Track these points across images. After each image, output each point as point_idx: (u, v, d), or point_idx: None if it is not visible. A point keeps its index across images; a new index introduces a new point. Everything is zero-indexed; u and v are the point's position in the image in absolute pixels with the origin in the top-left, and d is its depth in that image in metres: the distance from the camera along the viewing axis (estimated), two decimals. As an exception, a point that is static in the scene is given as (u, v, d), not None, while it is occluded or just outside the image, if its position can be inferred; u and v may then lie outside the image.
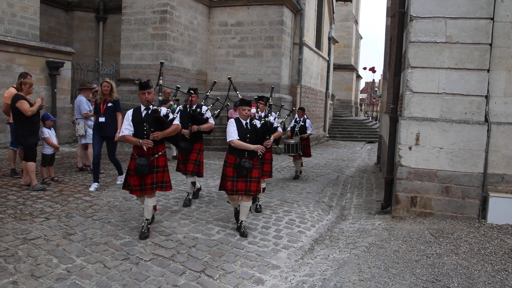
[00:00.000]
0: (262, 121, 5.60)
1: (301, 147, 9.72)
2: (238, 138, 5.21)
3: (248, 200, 5.33)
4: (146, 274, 3.99)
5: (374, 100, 46.31)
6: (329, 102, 23.43)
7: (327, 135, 22.82)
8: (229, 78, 6.81)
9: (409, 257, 4.78)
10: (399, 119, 6.43)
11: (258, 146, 5.30)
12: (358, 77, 38.74)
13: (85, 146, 8.49)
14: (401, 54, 6.83)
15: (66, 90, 12.70)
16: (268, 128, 5.63)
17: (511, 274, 4.37)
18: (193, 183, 6.76)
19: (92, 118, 8.55)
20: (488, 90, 6.00)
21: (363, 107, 48.60)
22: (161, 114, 4.96)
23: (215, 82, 6.93)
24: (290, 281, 4.24)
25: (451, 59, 6.03)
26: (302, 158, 10.17)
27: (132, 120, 4.89)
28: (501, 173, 6.05)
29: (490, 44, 5.90)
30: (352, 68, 33.02)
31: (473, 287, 4.03)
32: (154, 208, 5.22)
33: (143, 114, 4.94)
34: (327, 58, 22.43)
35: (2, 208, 5.59)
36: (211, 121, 6.56)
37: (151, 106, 4.98)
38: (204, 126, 6.44)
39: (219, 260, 4.56)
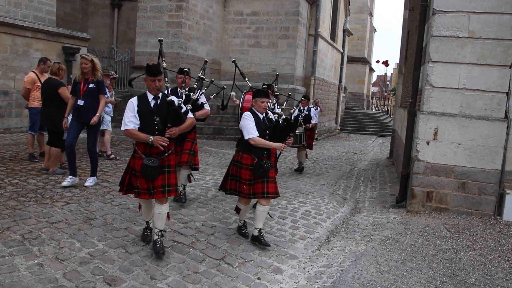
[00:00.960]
0: (283, 116, 4.93)
1: (305, 137, 9.17)
2: (258, 135, 4.57)
3: (267, 203, 4.69)
4: (167, 260, 4.06)
5: (385, 94, 45.98)
6: (342, 94, 23.33)
7: (339, 128, 22.76)
8: (233, 61, 6.28)
9: (426, 251, 4.80)
10: (418, 114, 6.40)
11: (281, 144, 4.68)
12: (371, 70, 38.47)
13: (102, 133, 8.57)
14: (422, 48, 6.78)
15: (81, 76, 12.78)
16: (292, 124, 4.88)
17: (528, 271, 4.37)
18: (189, 176, 6.00)
19: (110, 105, 8.64)
20: (509, 87, 5.95)
21: (374, 100, 48.29)
22: (176, 103, 4.16)
23: (206, 61, 5.95)
24: (308, 271, 4.29)
25: (473, 54, 5.98)
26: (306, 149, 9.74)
27: (138, 112, 4.01)
28: (519, 171, 6.01)
29: (514, 40, 5.84)
30: (365, 61, 32.79)
31: (491, 283, 4.05)
32: (168, 216, 4.25)
33: (151, 104, 4.07)
34: (341, 50, 22.30)
35: (23, 191, 5.69)
36: (207, 106, 5.84)
37: (160, 95, 4.17)
38: (199, 113, 5.66)
39: (237, 248, 4.62)
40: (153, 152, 4.04)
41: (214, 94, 6.16)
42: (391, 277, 4.11)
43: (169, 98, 4.03)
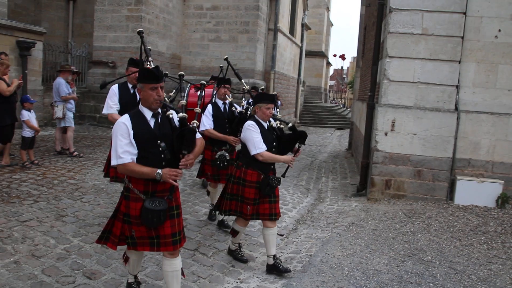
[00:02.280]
0: (290, 124, 4.38)
1: None
2: (266, 148, 3.93)
3: (275, 225, 4.11)
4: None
5: (342, 87, 47.15)
6: (301, 88, 23.78)
7: (298, 121, 23.22)
8: (225, 59, 5.56)
9: (387, 234, 5.16)
10: (376, 106, 6.77)
11: (290, 157, 4.09)
12: (328, 64, 39.33)
13: (64, 130, 8.43)
14: (379, 43, 7.14)
15: (37, 72, 12.39)
16: (300, 132, 4.17)
17: (476, 248, 4.82)
18: None
19: (72, 101, 8.51)
20: (458, 80, 6.42)
21: (331, 93, 49.38)
22: (175, 120, 3.05)
23: (149, 48, 4.49)
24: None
25: (426, 50, 6.39)
26: None
27: (136, 137, 2.86)
28: (468, 158, 6.51)
29: (462, 37, 6.30)
30: (323, 55, 33.49)
31: (445, 260, 4.44)
32: (182, 273, 3.20)
33: (151, 124, 2.94)
34: (300, 45, 22.70)
35: (-13, 190, 5.58)
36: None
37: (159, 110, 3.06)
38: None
39: (210, 239, 4.78)
40: (158, 190, 2.96)
41: (174, 91, 5.90)
42: (356, 259, 4.41)
43: (180, 114, 2.99)
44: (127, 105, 4.35)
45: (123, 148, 2.83)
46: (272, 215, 4.04)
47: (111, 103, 4.38)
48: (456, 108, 6.46)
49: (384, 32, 6.86)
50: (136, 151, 2.86)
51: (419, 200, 6.59)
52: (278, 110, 4.91)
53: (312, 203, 7.05)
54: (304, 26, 23.22)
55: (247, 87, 5.23)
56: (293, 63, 21.35)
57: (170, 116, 2.97)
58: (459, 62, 6.35)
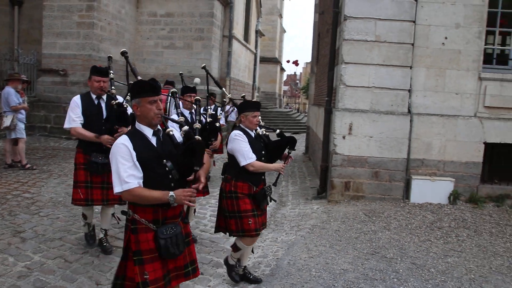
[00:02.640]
0: (278, 131, 4.27)
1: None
2: (256, 158, 3.75)
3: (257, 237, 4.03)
4: (109, 265, 4.07)
5: (296, 92, 47.96)
6: (256, 94, 24.00)
7: (255, 126, 23.42)
8: (203, 67, 5.10)
9: (349, 235, 5.32)
10: (334, 111, 6.97)
11: (281, 165, 3.96)
12: (282, 70, 39.91)
13: (15, 141, 8.07)
14: (335, 50, 7.37)
15: (-19, 81, 11.80)
16: (289, 138, 4.07)
17: (433, 243, 5.08)
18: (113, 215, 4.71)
19: (23, 111, 8.16)
20: (410, 85, 6.74)
21: (285, 99, 50.13)
22: (176, 136, 2.84)
23: (110, 56, 4.96)
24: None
25: (379, 56, 6.67)
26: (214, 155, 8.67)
27: (140, 159, 2.55)
28: (421, 158, 6.84)
29: (413, 44, 6.63)
30: (276, 61, 33.96)
31: (405, 256, 4.65)
32: None
33: (154, 143, 2.67)
34: (254, 51, 22.93)
35: None
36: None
37: (174, 128, 3.05)
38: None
39: (177, 247, 4.73)
40: (168, 216, 2.67)
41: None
42: (322, 260, 4.53)
43: (185, 127, 2.89)
44: (92, 117, 4.16)
45: (128, 172, 2.49)
46: (264, 224, 4.04)
47: (74, 116, 4.04)
48: (409, 111, 6.77)
49: (339, 39, 7.09)
50: (141, 174, 2.54)
51: (377, 200, 6.83)
52: (236, 116, 4.73)
53: (274, 207, 7.13)
54: (258, 33, 23.50)
55: (229, 95, 5.13)
56: (247, 69, 21.53)
57: (171, 133, 2.73)
58: (411, 67, 6.68)
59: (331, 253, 4.72)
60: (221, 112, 7.20)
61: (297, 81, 53.23)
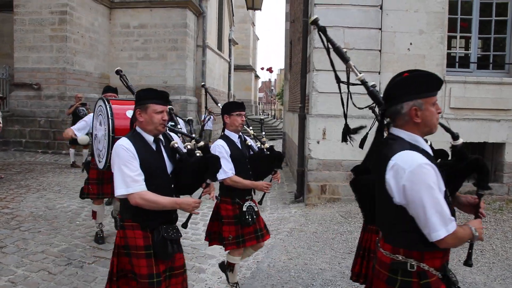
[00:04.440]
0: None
1: None
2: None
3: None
4: (93, 275, 4.14)
5: (271, 98, 48.37)
6: (232, 102, 24.20)
7: (232, 134, 23.57)
8: (203, 85, 5.32)
9: (326, 236, 5.52)
10: (307, 117, 7.20)
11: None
12: (256, 77, 40.26)
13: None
14: (306, 58, 7.62)
15: (-49, 97, 11.58)
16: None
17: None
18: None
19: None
20: (379, 90, 7.01)
21: (260, 105, 50.49)
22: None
23: (120, 70, 4.36)
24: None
25: (349, 63, 6.93)
26: None
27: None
28: (393, 160, 7.10)
29: (380, 50, 6.92)
30: (251, 69, 34.25)
31: (380, 254, 4.86)
32: None
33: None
34: (228, 60, 23.13)
35: None
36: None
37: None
38: None
39: (159, 255, 4.83)
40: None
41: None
42: (301, 261, 4.70)
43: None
44: (155, 171, 2.89)
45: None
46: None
47: (132, 174, 2.61)
48: (379, 115, 7.04)
49: (310, 47, 7.34)
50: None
51: (353, 201, 7.06)
52: (212, 124, 4.56)
53: (254, 213, 7.28)
54: (232, 41, 23.73)
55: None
56: (222, 78, 21.71)
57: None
58: (379, 73, 6.97)
59: (309, 254, 4.90)
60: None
61: (272, 88, 53.70)
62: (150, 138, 2.60)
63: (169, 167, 2.66)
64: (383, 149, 1.99)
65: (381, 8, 6.89)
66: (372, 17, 6.84)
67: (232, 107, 3.65)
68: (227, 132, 3.67)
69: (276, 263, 4.68)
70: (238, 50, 31.40)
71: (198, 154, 2.74)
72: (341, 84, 2.62)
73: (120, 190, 2.43)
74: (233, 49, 24.67)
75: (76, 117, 10.35)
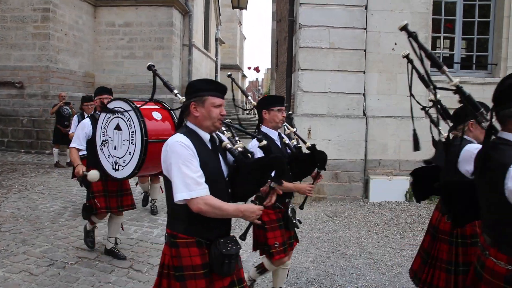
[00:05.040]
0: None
1: None
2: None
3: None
4: (75, 276, 4.07)
5: (258, 98, 48.35)
6: (219, 101, 24.13)
7: (219, 134, 23.52)
8: (229, 75, 4.38)
9: (311, 235, 5.53)
10: (293, 116, 7.19)
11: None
12: (244, 76, 40.22)
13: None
14: (292, 57, 7.63)
15: None
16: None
17: (390, 238, 5.36)
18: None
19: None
20: (364, 89, 7.07)
21: (247, 105, 50.44)
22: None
23: (152, 65, 3.46)
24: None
25: (334, 62, 6.97)
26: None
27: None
28: (378, 159, 7.17)
29: (365, 50, 6.97)
30: (238, 68, 34.16)
31: (364, 252, 4.90)
32: None
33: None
34: (215, 59, 23.06)
35: None
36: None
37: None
38: None
39: (143, 255, 4.78)
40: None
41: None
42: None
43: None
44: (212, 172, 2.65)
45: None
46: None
47: (195, 175, 2.32)
48: (364, 114, 7.09)
49: (295, 46, 7.35)
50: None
51: (338, 200, 7.10)
52: None
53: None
54: (218, 41, 23.66)
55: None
56: (209, 77, 21.62)
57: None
58: (364, 72, 7.01)
59: (293, 253, 4.88)
60: None
61: (259, 87, 53.72)
62: (206, 136, 2.29)
63: (224, 169, 2.35)
64: (494, 154, 1.86)
65: (366, 8, 6.93)
66: (357, 17, 6.88)
67: (272, 102, 3.32)
68: (265, 128, 3.29)
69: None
70: (225, 49, 31.32)
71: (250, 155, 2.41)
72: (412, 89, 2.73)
73: (181, 194, 2.09)
74: (219, 48, 24.61)
75: (60, 116, 10.23)
